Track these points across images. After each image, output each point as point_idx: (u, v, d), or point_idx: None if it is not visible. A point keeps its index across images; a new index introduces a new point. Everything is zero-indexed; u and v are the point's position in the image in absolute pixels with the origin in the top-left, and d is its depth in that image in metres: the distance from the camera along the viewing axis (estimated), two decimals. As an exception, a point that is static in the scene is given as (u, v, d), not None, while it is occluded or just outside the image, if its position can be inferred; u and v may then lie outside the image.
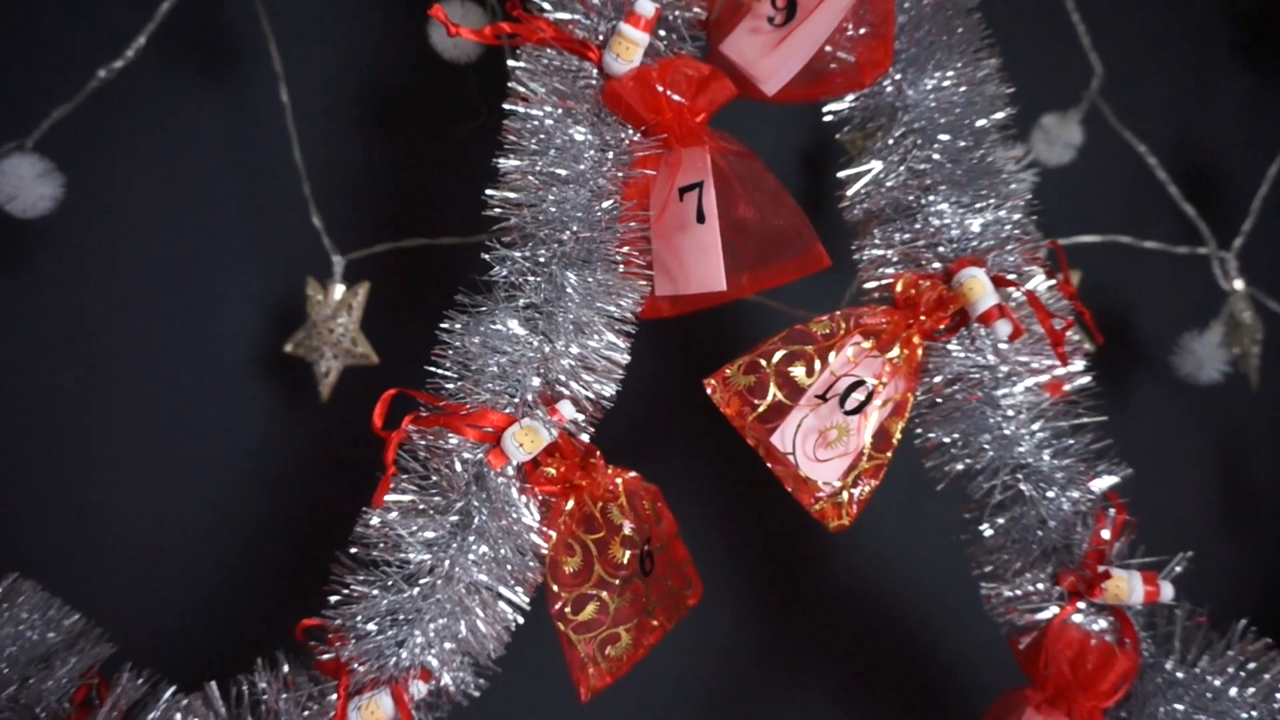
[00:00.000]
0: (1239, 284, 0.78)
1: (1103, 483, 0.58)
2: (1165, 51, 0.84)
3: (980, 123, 0.58)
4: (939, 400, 0.58)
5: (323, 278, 0.72)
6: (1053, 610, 0.57)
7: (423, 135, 0.77)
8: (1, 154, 0.67)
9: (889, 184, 0.58)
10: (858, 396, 0.55)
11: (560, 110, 0.55)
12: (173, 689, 0.55)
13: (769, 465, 0.55)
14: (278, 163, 0.73)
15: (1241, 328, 0.78)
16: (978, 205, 0.57)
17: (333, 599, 0.53)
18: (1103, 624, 0.57)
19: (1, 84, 0.72)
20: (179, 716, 0.53)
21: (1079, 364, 0.58)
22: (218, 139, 0.75)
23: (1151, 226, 0.81)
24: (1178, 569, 0.57)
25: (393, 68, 0.77)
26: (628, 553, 0.55)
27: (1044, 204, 0.60)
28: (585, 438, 0.56)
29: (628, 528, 0.55)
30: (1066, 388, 0.58)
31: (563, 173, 0.55)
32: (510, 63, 0.56)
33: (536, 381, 0.54)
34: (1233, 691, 0.56)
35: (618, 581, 0.56)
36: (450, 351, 0.55)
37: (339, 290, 0.72)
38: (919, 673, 0.80)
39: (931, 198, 0.57)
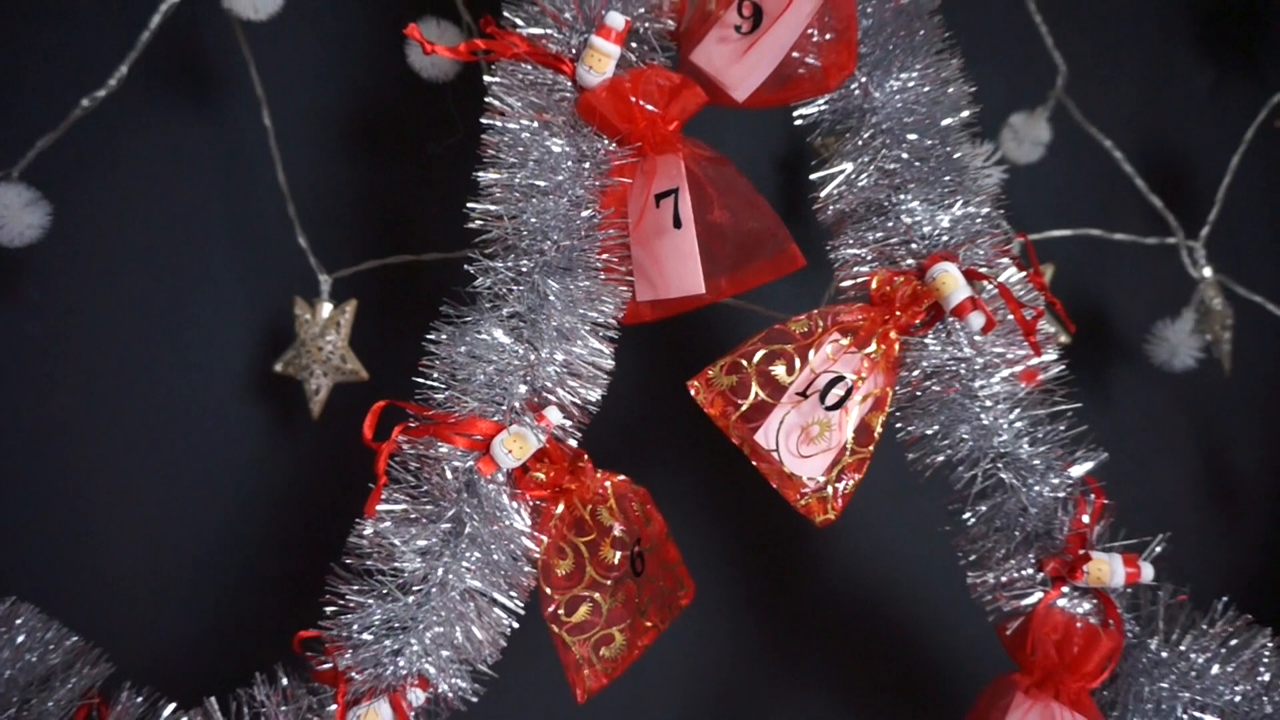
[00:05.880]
0: (1208, 272, 0.80)
1: (1081, 468, 0.59)
2: (1128, 48, 0.86)
3: (946, 121, 0.59)
4: (918, 393, 0.59)
5: (310, 297, 0.73)
6: (1037, 595, 0.58)
7: (404, 154, 0.78)
8: (-12, 185, 0.68)
9: (860, 184, 0.59)
10: (838, 392, 0.56)
11: (537, 123, 0.56)
12: (173, 706, 0.55)
13: (754, 463, 0.56)
14: (262, 185, 0.74)
15: (1212, 314, 0.80)
16: (947, 202, 0.59)
17: (329, 610, 0.54)
18: (1087, 607, 0.58)
19: (-14, 116, 0.73)
20: (180, 733, 0.54)
21: (1052, 353, 0.59)
22: (202, 164, 0.76)
23: (1121, 219, 0.83)
24: (1157, 549, 0.59)
25: (372, 88, 0.78)
26: (618, 554, 0.56)
27: (1015, 201, 0.61)
28: (573, 442, 0.57)
29: (618, 529, 0.56)
30: (1041, 377, 0.59)
31: (541, 184, 0.56)
32: (486, 78, 0.57)
33: (523, 389, 0.55)
34: (1215, 669, 0.57)
35: (610, 582, 0.57)
36: (437, 362, 0.56)
37: (327, 308, 0.73)
38: (910, 664, 0.81)
39: (902, 196, 0.59)
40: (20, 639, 0.53)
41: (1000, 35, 0.80)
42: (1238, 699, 0.57)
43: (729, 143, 0.60)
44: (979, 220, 0.59)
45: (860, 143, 0.59)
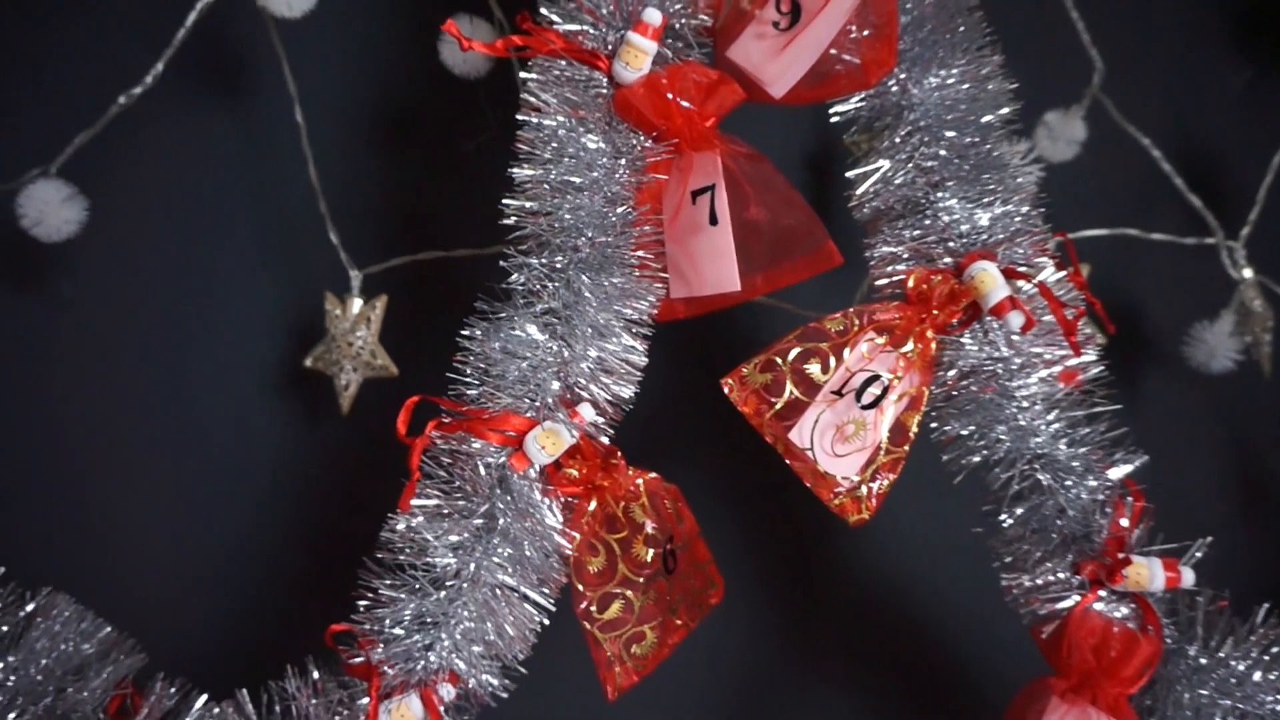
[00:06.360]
0: (1248, 273, 0.79)
1: (1120, 470, 0.58)
2: (1164, 45, 0.85)
3: (985, 118, 0.59)
4: (954, 393, 0.58)
5: (340, 292, 0.74)
6: (1074, 599, 0.57)
7: (435, 150, 0.79)
8: (26, 179, 0.69)
9: (897, 181, 0.59)
10: (873, 391, 0.55)
11: (572, 119, 0.56)
12: (204, 697, 0.55)
13: (788, 462, 0.56)
14: (294, 181, 0.75)
15: (1252, 316, 0.78)
16: (986, 200, 0.58)
17: (361, 604, 0.54)
18: (1124, 611, 0.57)
19: (26, 111, 0.74)
20: (212, 724, 0.54)
21: (1091, 353, 0.59)
22: (235, 160, 0.77)
23: (1158, 218, 0.82)
24: (1198, 555, 0.58)
25: (404, 85, 0.78)
26: (651, 551, 0.56)
27: (1051, 199, 0.61)
28: (605, 439, 0.56)
29: (650, 526, 0.56)
30: (1080, 378, 0.59)
31: (577, 180, 0.56)
32: (521, 74, 0.57)
33: (556, 385, 0.55)
34: (1256, 676, 0.56)
35: (642, 580, 0.56)
36: (471, 358, 0.56)
37: (357, 304, 0.73)
38: (942, 666, 0.81)
39: (940, 194, 0.58)
40: (56, 628, 0.54)
41: (1035, 31, 0.79)
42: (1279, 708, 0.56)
43: (757, 141, 0.60)
44: (1018, 219, 0.59)
45: (898, 140, 0.59)
